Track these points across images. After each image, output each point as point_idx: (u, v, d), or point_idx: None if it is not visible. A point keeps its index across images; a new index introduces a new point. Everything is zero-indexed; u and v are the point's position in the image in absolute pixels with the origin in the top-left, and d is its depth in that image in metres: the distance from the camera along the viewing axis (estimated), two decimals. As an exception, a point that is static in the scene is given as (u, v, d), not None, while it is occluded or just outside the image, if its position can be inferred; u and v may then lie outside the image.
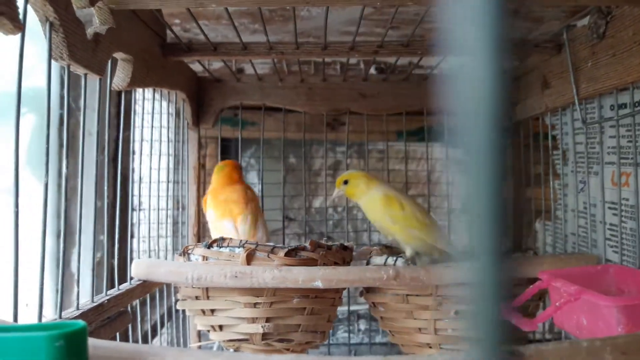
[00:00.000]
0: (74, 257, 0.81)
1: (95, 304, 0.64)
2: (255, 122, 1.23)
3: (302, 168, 1.19)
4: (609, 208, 0.83)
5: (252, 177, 1.40)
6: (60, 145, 0.64)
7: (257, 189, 1.29)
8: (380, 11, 0.74)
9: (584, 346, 0.40)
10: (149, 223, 1.08)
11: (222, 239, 0.85)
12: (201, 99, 1.12)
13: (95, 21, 0.61)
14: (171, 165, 1.21)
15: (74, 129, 0.77)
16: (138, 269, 0.80)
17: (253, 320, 0.82)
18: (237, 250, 0.82)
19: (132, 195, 0.99)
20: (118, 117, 0.98)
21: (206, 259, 0.82)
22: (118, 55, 0.68)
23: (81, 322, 0.37)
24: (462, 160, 0.19)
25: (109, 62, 0.66)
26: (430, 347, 0.85)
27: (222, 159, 1.33)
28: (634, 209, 0.75)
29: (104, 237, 0.96)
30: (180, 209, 1.21)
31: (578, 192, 0.92)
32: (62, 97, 0.70)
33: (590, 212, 0.88)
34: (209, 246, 0.84)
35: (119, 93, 0.96)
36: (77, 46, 0.55)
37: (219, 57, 0.87)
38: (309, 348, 0.89)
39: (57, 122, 0.62)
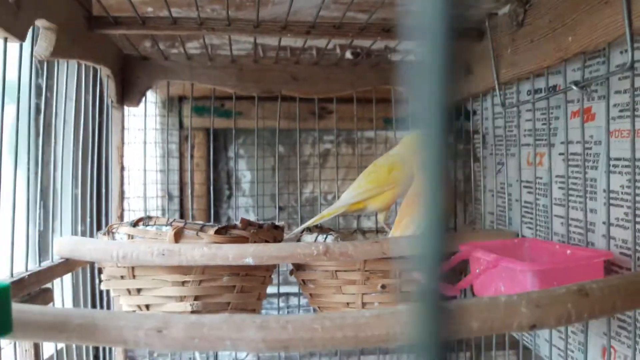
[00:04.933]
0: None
1: (14, 279, 0.62)
2: (241, 111, 1.23)
3: (296, 156, 1.19)
4: (525, 187, 0.89)
5: (242, 166, 1.39)
6: (37, 135, 0.62)
7: (247, 178, 1.28)
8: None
9: (502, 301, 0.43)
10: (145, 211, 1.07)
11: (149, 217, 0.84)
12: (127, 77, 1.08)
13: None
14: (159, 154, 1.21)
15: (50, 117, 0.76)
16: (61, 247, 0.77)
17: (181, 298, 0.81)
18: (164, 228, 0.81)
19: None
20: (95, 105, 0.95)
21: (132, 238, 0.80)
22: (41, 22, 0.65)
23: (5, 282, 0.36)
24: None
25: (31, 28, 0.63)
26: (357, 323, 0.87)
27: (212, 147, 1.32)
28: (547, 186, 0.81)
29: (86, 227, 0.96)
30: (168, 198, 1.22)
31: (496, 174, 0.97)
32: (38, 86, 0.67)
33: (507, 191, 0.93)
34: (135, 224, 0.82)
35: (98, 80, 0.95)
36: (-3, 6, 0.52)
37: (147, 31, 0.85)
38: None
39: (34, 111, 0.61)
